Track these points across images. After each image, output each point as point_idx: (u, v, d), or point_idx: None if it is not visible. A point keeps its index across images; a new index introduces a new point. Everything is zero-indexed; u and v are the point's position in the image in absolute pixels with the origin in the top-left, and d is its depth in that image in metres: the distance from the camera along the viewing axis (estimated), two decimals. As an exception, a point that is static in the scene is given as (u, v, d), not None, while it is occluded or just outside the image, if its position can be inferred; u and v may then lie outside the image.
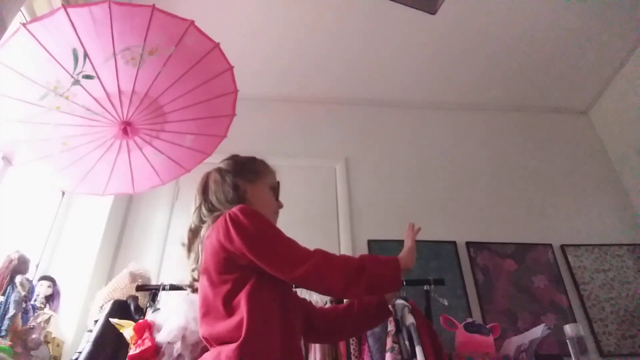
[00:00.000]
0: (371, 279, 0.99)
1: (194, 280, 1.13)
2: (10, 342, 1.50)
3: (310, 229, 2.28)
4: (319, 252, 1.01)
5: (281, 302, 1.02)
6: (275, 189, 1.26)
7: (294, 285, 1.20)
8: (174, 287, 1.79)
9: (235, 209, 1.04)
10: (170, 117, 1.77)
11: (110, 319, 1.65)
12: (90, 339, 1.64)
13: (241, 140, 2.37)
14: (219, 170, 1.22)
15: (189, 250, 1.16)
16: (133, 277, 1.90)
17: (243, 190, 1.16)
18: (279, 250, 1.01)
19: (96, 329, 1.67)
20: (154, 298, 1.78)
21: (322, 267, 0.98)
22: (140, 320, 1.62)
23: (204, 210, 1.15)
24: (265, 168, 1.27)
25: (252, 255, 0.98)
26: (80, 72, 1.50)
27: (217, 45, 1.65)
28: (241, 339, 0.89)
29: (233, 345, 0.89)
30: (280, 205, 1.26)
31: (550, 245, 2.50)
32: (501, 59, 2.86)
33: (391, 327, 1.63)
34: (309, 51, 2.79)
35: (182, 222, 2.43)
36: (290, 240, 1.03)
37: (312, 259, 0.98)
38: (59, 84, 1.50)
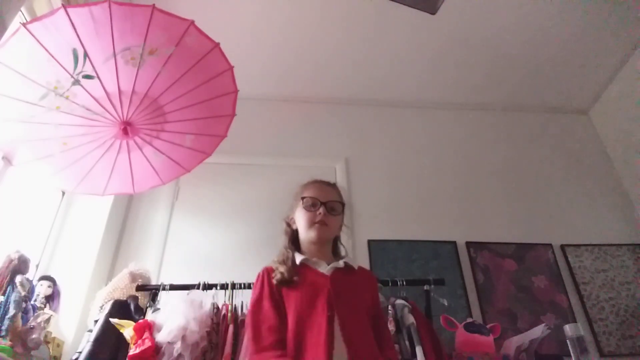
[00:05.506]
0: None
1: None
2: (10, 342, 1.49)
3: (310, 229, 2.27)
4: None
5: None
6: (305, 201, 1.33)
7: None
8: (174, 287, 1.79)
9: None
10: (170, 117, 1.76)
11: (110, 319, 1.65)
12: (90, 338, 1.64)
13: (241, 140, 2.39)
14: None
15: None
16: (133, 277, 1.90)
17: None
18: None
19: (96, 329, 1.67)
20: (154, 298, 1.78)
21: None
22: (140, 320, 1.62)
23: None
24: (300, 190, 1.38)
25: None
26: (80, 72, 1.50)
27: (217, 45, 1.65)
28: None
29: None
30: (314, 217, 1.31)
31: (550, 245, 2.50)
32: (501, 59, 2.86)
33: (391, 327, 1.62)
34: (308, 51, 2.79)
35: (182, 222, 2.46)
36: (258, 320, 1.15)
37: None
38: (59, 83, 1.49)
